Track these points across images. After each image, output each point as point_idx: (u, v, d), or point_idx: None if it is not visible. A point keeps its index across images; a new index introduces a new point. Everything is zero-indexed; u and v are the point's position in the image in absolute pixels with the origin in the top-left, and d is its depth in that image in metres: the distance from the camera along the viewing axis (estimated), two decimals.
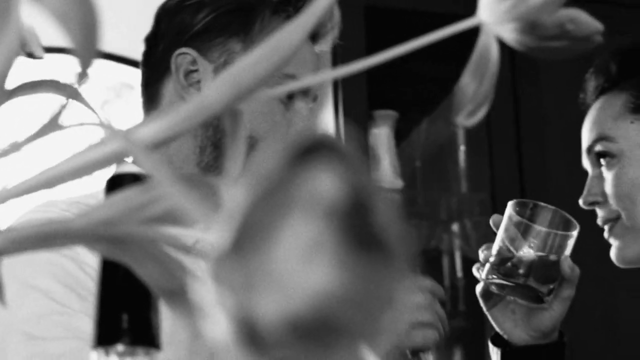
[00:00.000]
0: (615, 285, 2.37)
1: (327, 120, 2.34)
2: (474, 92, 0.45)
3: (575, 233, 1.25)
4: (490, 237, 2.43)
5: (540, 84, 2.44)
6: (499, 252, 1.27)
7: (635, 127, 1.29)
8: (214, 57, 1.23)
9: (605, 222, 1.32)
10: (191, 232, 0.39)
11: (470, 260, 2.46)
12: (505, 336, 1.32)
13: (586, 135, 1.35)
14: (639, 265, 1.31)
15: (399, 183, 2.41)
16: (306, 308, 0.20)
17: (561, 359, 1.31)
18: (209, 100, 0.40)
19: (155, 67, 1.27)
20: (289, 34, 0.40)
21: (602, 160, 1.32)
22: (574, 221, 1.26)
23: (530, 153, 2.37)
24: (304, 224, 0.21)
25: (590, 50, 0.45)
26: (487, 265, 1.28)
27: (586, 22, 0.44)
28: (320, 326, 0.20)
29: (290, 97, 1.24)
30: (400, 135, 2.47)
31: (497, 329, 1.33)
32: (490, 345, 1.35)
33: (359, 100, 2.32)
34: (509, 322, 1.31)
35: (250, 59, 0.40)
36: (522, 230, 1.26)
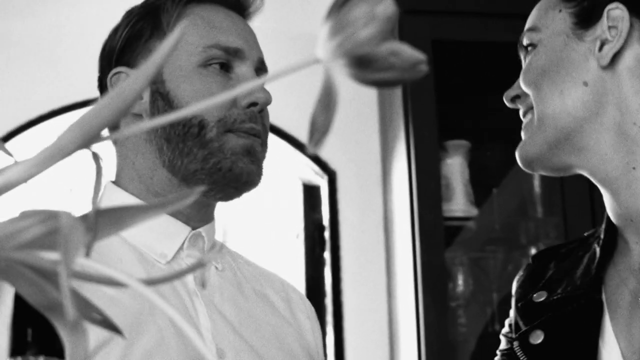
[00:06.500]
0: None
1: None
2: (321, 123, 0.51)
3: None
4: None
5: None
6: None
7: (562, 15, 1.21)
8: (142, 63, 1.31)
9: (525, 114, 1.24)
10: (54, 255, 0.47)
11: None
12: None
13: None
14: (541, 168, 1.20)
15: (474, 211, 2.44)
16: None
17: None
18: (63, 143, 0.47)
19: None
20: (132, 82, 0.47)
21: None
22: None
23: None
24: None
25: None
26: None
27: (408, 53, 0.49)
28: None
29: (225, 67, 1.31)
30: (474, 164, 2.50)
31: None
32: None
33: (430, 131, 2.36)
34: None
35: (98, 105, 0.48)
36: None
